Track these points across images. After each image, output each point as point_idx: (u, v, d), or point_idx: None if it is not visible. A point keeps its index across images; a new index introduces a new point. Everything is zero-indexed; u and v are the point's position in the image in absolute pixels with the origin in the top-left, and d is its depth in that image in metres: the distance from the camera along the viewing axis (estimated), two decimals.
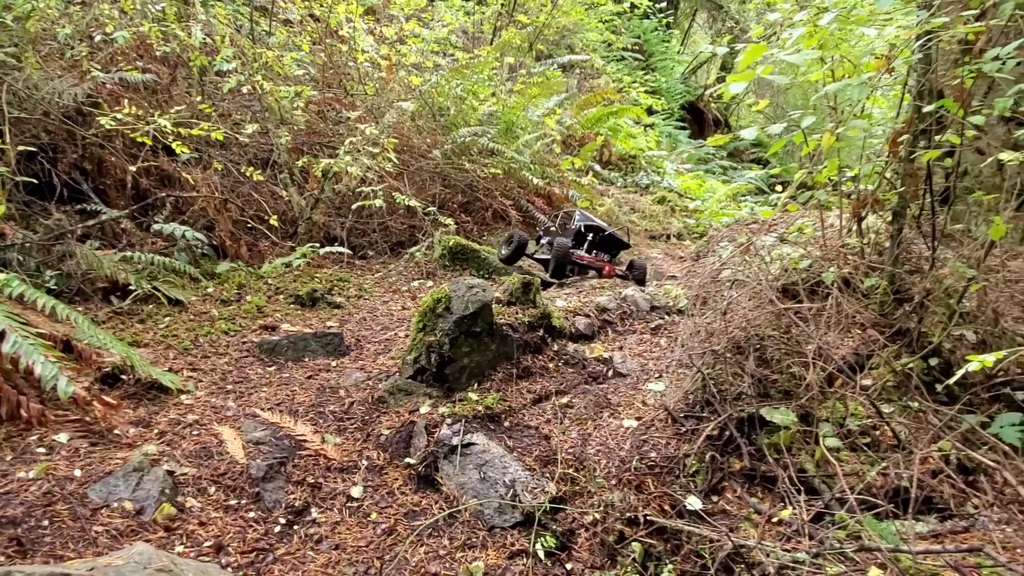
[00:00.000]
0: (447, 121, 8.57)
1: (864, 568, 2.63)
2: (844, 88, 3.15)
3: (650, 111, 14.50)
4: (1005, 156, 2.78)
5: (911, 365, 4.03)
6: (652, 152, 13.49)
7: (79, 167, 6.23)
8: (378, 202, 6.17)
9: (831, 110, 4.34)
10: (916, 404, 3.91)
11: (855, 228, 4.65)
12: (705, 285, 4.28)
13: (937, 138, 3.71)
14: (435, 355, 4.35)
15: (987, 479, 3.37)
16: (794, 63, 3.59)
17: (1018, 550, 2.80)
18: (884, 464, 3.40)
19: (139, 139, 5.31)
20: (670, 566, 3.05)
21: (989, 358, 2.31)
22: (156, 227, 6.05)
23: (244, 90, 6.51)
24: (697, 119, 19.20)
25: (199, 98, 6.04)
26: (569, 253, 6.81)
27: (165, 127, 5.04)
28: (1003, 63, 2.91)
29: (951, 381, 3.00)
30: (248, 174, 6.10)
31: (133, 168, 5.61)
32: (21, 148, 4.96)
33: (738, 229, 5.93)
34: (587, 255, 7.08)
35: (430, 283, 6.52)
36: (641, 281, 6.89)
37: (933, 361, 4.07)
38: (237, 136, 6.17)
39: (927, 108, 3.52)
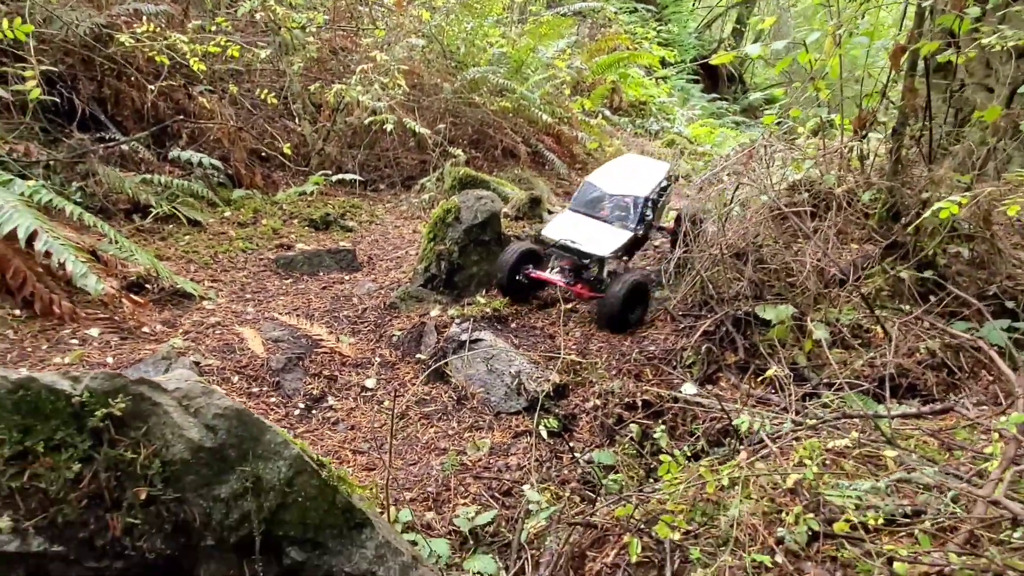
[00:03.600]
0: (457, 59, 8.63)
1: (845, 433, 2.80)
2: None
3: (663, 63, 14.38)
4: (989, 40, 2.87)
5: (904, 274, 4.17)
6: (662, 99, 13.45)
7: (97, 98, 6.38)
8: (389, 125, 6.28)
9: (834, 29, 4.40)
10: (908, 307, 4.06)
11: (857, 145, 4.75)
12: (706, 191, 4.40)
13: (940, 56, 3.79)
14: (445, 263, 4.53)
15: (969, 371, 3.54)
16: None
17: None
18: (871, 355, 3.56)
19: (157, 58, 5.43)
20: (666, 441, 3.24)
21: (955, 200, 2.43)
22: (173, 154, 6.21)
23: (257, 17, 6.59)
24: (710, 75, 18.93)
25: (213, 25, 6.14)
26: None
27: (181, 42, 5.16)
28: None
29: (921, 220, 3.08)
30: (262, 97, 6.23)
31: (153, 88, 5.73)
32: (43, 69, 5.09)
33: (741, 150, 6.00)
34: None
35: None
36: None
37: (927, 273, 4.21)
38: (252, 61, 6.28)
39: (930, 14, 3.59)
